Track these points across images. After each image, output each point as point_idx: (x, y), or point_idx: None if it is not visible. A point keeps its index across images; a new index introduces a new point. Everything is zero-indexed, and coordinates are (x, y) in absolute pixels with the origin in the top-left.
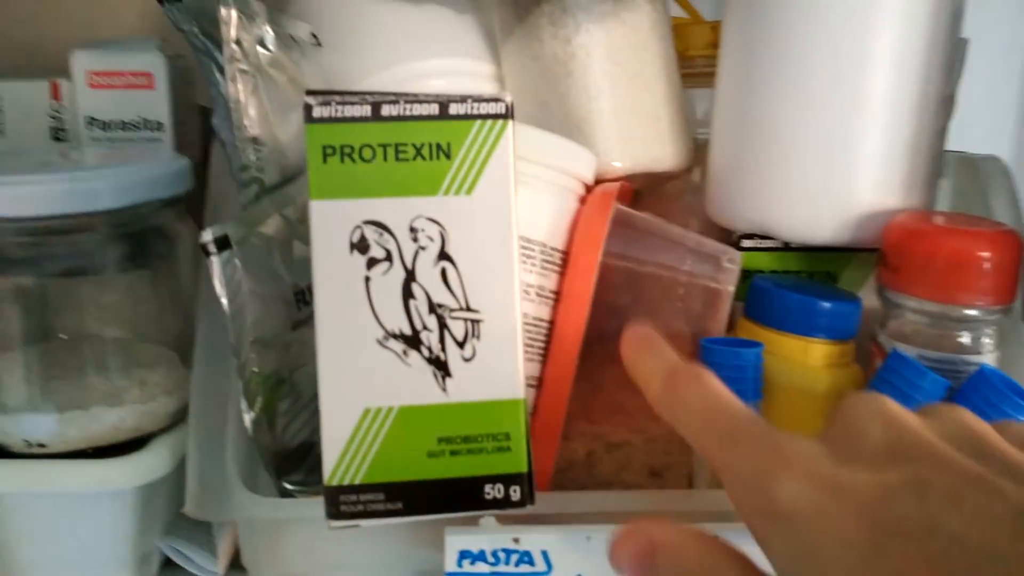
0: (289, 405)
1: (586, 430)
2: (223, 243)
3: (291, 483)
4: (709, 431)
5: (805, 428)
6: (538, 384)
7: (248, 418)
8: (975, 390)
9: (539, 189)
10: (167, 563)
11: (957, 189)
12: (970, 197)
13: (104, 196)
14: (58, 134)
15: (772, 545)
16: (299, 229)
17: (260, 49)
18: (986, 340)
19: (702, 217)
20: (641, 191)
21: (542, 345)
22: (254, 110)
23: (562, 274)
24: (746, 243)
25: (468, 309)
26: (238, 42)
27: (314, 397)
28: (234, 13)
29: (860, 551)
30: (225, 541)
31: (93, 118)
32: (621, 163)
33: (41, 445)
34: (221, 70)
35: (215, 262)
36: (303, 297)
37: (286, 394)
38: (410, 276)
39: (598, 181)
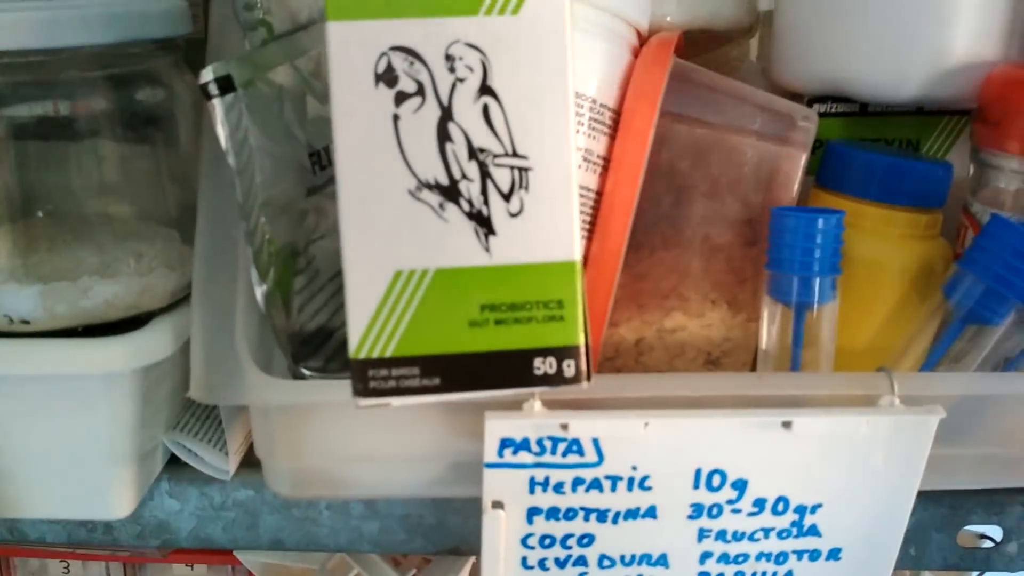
0: (305, 282)
1: (635, 315)
2: (226, 84)
3: (309, 369)
4: None
5: (886, 305)
6: (583, 263)
7: (260, 291)
8: None
9: (589, 33)
10: (172, 461)
11: None
12: None
13: (83, 29)
14: None
15: None
16: (313, 85)
17: None
18: None
19: (763, 88)
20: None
21: (589, 218)
22: None
23: (613, 137)
24: (817, 107)
25: (515, 155)
26: None
27: (334, 276)
28: None
29: None
30: (236, 437)
31: None
32: (675, 17)
33: (25, 322)
34: None
35: (218, 106)
36: (319, 160)
37: (301, 268)
38: (446, 114)
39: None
